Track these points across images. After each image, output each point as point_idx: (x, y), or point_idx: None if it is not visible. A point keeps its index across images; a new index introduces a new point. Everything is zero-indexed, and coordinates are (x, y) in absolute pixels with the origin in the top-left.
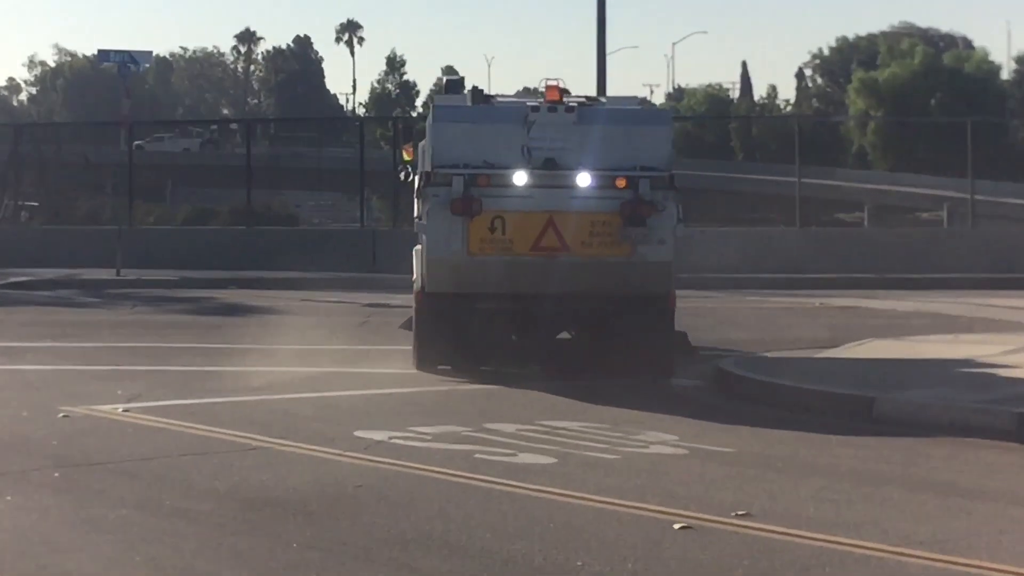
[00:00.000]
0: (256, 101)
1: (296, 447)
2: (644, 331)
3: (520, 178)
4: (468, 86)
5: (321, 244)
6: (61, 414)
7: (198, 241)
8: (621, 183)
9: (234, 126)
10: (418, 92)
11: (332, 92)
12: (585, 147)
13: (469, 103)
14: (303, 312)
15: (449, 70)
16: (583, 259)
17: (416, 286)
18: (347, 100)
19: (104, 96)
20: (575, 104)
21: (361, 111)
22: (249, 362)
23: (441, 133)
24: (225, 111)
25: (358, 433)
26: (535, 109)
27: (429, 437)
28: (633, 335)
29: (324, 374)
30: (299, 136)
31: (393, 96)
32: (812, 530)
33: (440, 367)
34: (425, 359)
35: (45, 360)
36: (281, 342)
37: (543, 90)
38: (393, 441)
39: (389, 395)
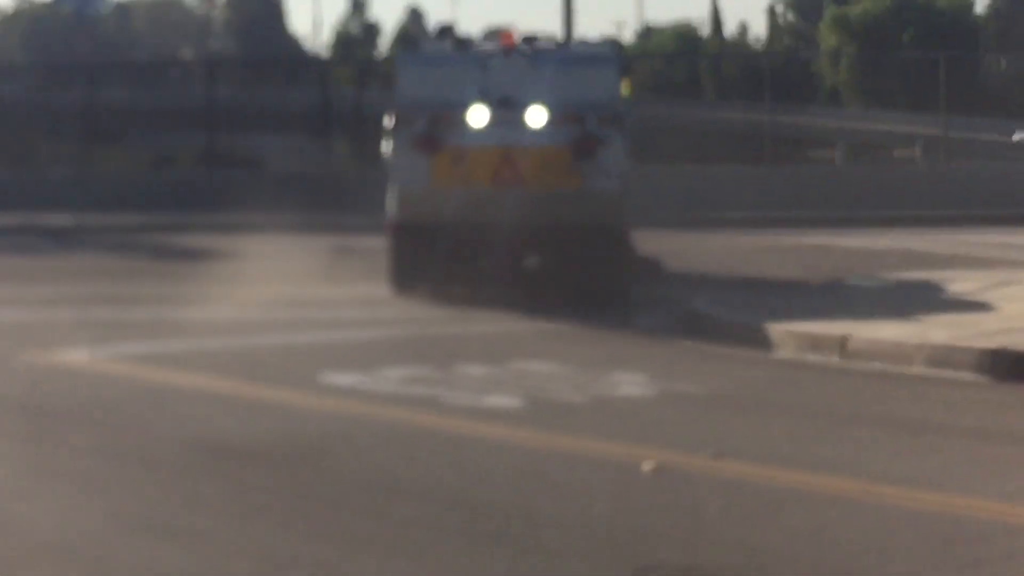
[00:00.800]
0: (219, 45)
1: (261, 392)
2: (598, 260)
3: (477, 116)
4: (437, 25)
5: (285, 187)
6: (21, 362)
7: (159, 185)
8: (569, 119)
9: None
10: (380, 33)
11: (294, 34)
12: (538, 88)
13: (450, 49)
14: (268, 255)
15: (414, 13)
16: (536, 191)
17: (387, 218)
18: (312, 43)
19: (63, 41)
20: (528, 50)
21: (325, 53)
22: (212, 307)
23: (407, 76)
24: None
25: (324, 377)
26: (492, 55)
27: (396, 380)
28: (589, 263)
29: (290, 319)
30: (262, 79)
31: (357, 37)
32: (786, 468)
33: (412, 298)
34: (398, 283)
35: (3, 307)
36: (246, 286)
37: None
38: (360, 385)
39: (355, 338)
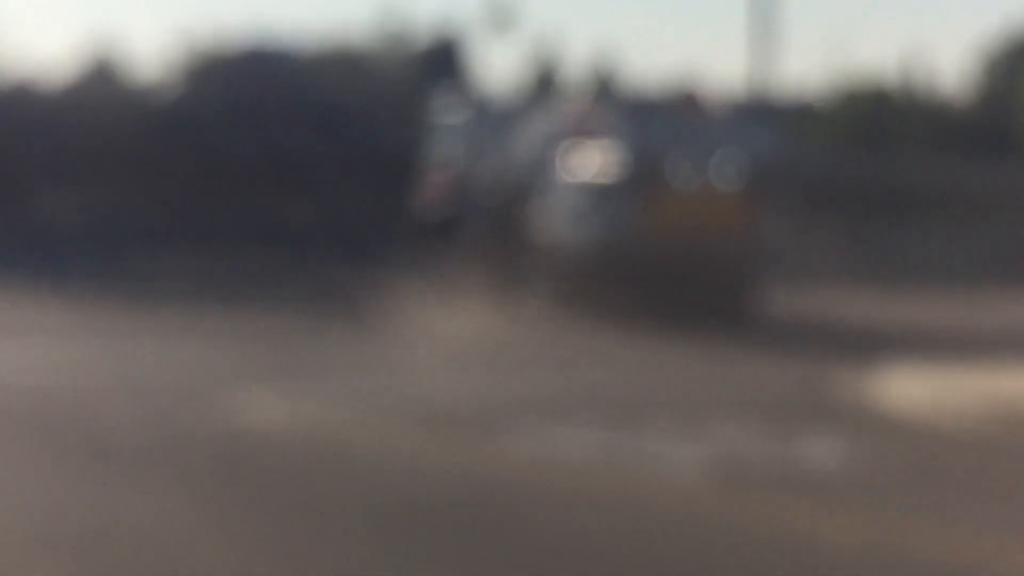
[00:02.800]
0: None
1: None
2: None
3: (674, 168)
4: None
5: None
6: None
7: None
8: None
9: None
10: (567, 75)
11: (481, 76)
12: (712, 144)
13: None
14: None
15: (602, 53)
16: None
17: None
18: (498, 85)
19: (255, 89)
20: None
21: None
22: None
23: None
24: None
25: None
26: (680, 116)
27: (576, 443)
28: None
29: (478, 365)
30: None
31: (547, 79)
32: None
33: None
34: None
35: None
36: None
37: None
38: (539, 444)
39: (538, 394)
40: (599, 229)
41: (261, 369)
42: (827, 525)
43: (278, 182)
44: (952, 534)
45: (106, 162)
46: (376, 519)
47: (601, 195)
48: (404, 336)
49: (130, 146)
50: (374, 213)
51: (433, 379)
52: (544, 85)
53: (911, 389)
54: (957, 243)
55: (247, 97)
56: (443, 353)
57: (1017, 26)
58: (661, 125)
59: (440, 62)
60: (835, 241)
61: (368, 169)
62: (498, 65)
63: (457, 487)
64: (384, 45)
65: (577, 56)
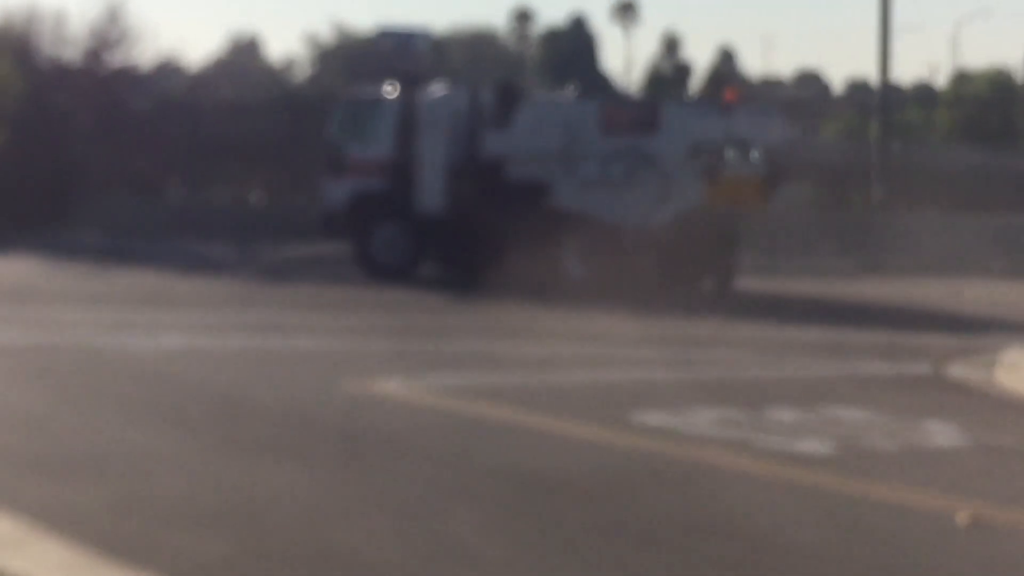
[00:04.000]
0: (532, 81)
1: (573, 428)
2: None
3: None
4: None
5: None
6: (339, 390)
7: None
8: None
9: None
10: (691, 73)
11: (606, 72)
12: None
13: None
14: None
15: (725, 54)
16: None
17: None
18: (621, 80)
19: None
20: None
21: (637, 92)
22: (524, 341)
23: (694, 122)
24: None
25: (635, 415)
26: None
27: (707, 421)
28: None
29: (601, 354)
30: None
31: (669, 77)
32: None
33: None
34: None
35: (322, 336)
36: (556, 321)
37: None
38: (671, 425)
39: (664, 378)
40: (670, 209)
41: (399, 348)
42: (946, 501)
43: None
44: None
45: (246, 143)
46: (523, 490)
47: (669, 178)
48: (522, 328)
49: (269, 128)
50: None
51: (563, 367)
52: (662, 76)
53: None
54: None
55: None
56: (565, 342)
57: None
58: (714, 116)
59: (568, 47)
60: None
61: None
62: (622, 55)
63: (600, 458)
64: (514, 29)
65: (697, 50)
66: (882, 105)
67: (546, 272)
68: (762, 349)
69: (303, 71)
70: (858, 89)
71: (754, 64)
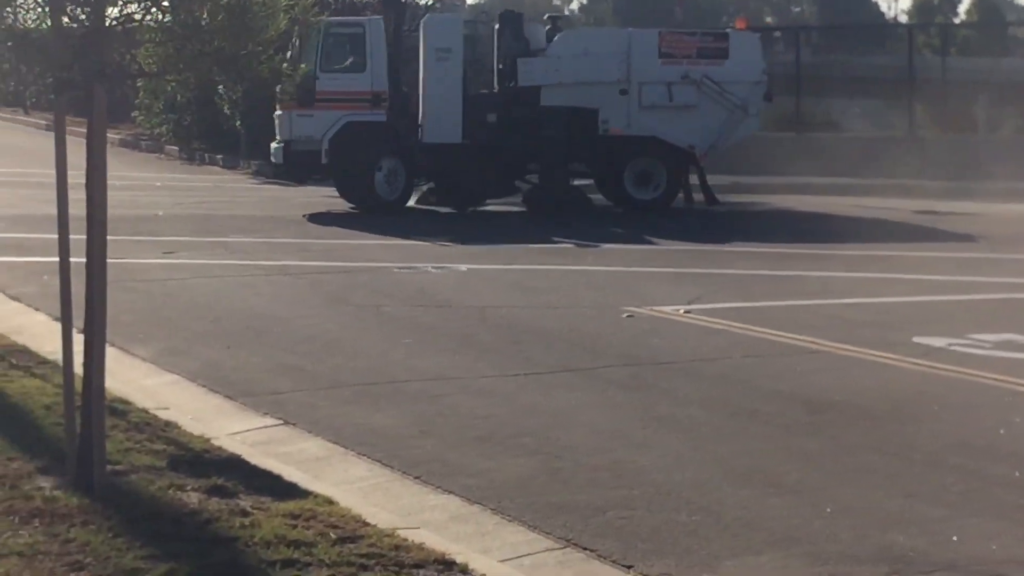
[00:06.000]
0: (798, 9)
1: (855, 351)
2: None
3: None
4: None
5: (866, 151)
6: (625, 314)
7: (746, 146)
8: None
9: (777, 34)
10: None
11: (875, 0)
12: None
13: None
14: (850, 217)
15: None
16: None
17: None
18: (888, 7)
19: (652, 8)
20: None
21: (903, 18)
22: (802, 266)
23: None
24: (768, 19)
25: (916, 339)
26: None
27: (988, 345)
28: None
29: (879, 279)
30: (841, 44)
31: (935, 3)
32: None
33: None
34: None
35: (607, 261)
36: (835, 246)
37: None
38: (952, 348)
39: (945, 301)
40: (740, 132)
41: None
42: None
43: None
44: None
45: None
46: (810, 412)
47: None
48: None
49: None
50: None
51: (841, 290)
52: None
53: None
54: None
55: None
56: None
57: None
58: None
59: None
60: None
61: None
62: None
63: (869, 381)
64: None
65: None
66: None
67: (614, 194)
68: None
69: None
70: None
71: None
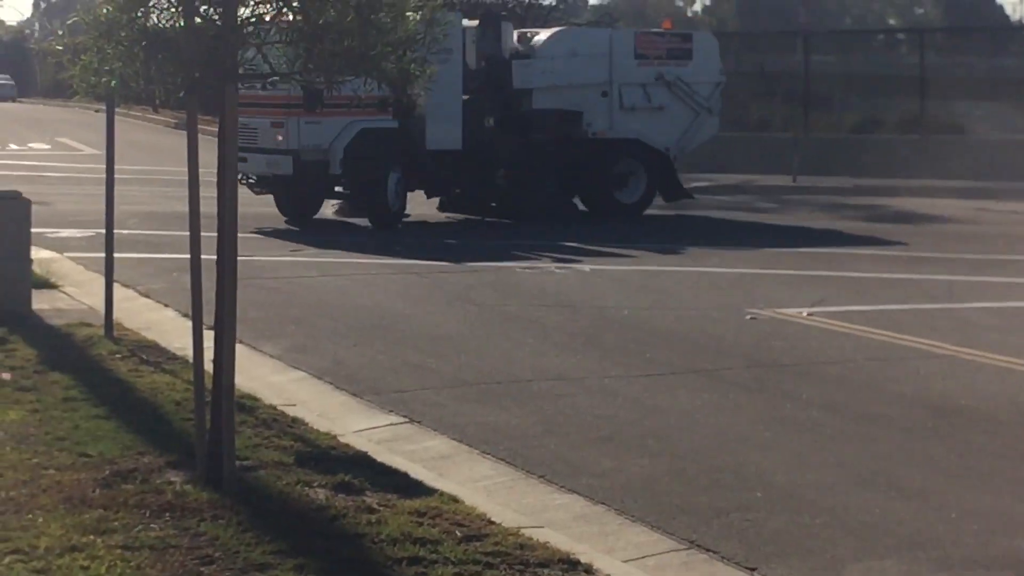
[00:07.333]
0: (922, 11)
1: (980, 356)
2: None
3: None
4: None
5: (992, 154)
6: (748, 315)
7: (869, 148)
8: None
9: (901, 35)
10: None
11: (1000, 2)
12: None
13: None
14: (978, 222)
15: None
16: None
17: None
18: (1013, 9)
19: (778, 7)
20: None
21: None
22: (923, 271)
23: None
24: (891, 20)
25: None
26: None
27: None
28: None
29: (1007, 284)
30: (967, 46)
31: None
32: None
33: None
34: None
35: (729, 263)
36: (961, 251)
37: None
38: None
39: None
40: (706, 134)
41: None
42: None
43: None
44: None
45: None
46: (935, 416)
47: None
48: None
49: None
50: None
51: (964, 294)
52: None
53: None
54: None
55: None
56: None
57: None
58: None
59: None
60: None
61: None
62: None
63: (993, 386)
64: None
65: None
66: None
67: (599, 198)
68: None
69: None
70: None
71: None
